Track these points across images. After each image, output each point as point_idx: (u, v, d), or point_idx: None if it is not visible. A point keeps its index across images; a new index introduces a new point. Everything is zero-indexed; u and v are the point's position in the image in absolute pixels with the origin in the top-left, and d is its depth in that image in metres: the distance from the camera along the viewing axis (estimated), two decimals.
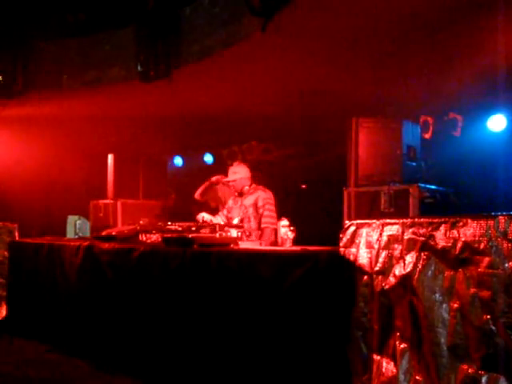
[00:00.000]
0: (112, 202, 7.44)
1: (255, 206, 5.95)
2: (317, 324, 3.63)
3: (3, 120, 7.52)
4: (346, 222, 3.67)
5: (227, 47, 5.21)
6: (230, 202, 6.27)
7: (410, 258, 3.04)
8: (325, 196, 7.29)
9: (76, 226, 8.31)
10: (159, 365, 4.60)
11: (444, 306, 2.82)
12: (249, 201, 6.02)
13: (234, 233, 5.06)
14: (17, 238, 6.76)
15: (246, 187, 6.04)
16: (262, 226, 5.88)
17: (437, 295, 2.87)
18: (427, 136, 6.79)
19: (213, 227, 5.10)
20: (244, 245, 4.86)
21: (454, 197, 5.22)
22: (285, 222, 4.96)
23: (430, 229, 2.95)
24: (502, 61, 5.77)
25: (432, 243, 2.92)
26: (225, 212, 6.30)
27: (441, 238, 2.88)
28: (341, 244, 3.67)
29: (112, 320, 5.07)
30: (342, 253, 3.63)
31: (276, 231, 5.61)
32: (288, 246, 4.79)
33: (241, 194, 6.09)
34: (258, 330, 3.92)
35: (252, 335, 3.96)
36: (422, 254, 2.97)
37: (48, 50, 6.58)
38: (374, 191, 4.98)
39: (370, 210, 4.90)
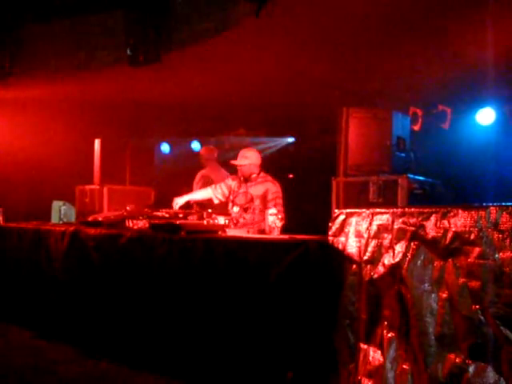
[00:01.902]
0: (98, 187, 7.36)
1: (263, 198, 5.73)
2: (304, 312, 3.63)
3: None
4: (336, 210, 3.66)
5: (218, 33, 5.16)
6: (234, 185, 6.01)
7: (399, 248, 3.04)
8: (313, 185, 7.28)
9: (61, 212, 8.21)
10: (145, 351, 4.58)
11: (433, 295, 2.83)
12: (256, 190, 5.80)
13: (221, 220, 5.03)
14: (1, 223, 6.70)
15: (254, 175, 5.83)
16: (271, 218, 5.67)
17: (426, 285, 2.87)
18: (416, 128, 6.81)
19: (200, 214, 5.07)
20: (232, 232, 4.84)
21: (442, 188, 5.23)
22: (273, 210, 4.95)
23: (420, 219, 2.95)
24: (491, 54, 5.79)
25: (422, 233, 2.92)
26: (225, 191, 6.04)
27: (431, 227, 2.87)
28: (330, 233, 3.66)
29: (98, 306, 5.04)
30: (330, 241, 3.63)
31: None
32: (276, 235, 4.77)
33: (246, 180, 5.87)
34: (245, 317, 3.92)
35: (239, 322, 3.96)
36: (412, 243, 2.97)
37: (36, 32, 6.48)
38: (362, 181, 4.97)
39: (358, 199, 4.89)
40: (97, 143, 7.39)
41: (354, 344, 3.36)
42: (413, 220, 2.99)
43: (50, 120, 7.87)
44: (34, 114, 7.77)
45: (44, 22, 6.47)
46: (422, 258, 2.91)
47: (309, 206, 7.41)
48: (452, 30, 5.58)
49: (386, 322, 3.13)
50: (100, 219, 5.45)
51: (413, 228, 2.98)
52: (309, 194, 7.55)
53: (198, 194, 6.29)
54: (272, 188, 5.71)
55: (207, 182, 7.13)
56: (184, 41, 5.40)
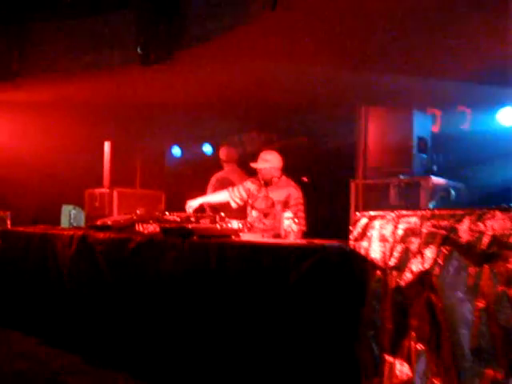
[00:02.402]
0: (108, 191, 7.20)
1: (285, 203, 5.51)
2: (324, 321, 3.42)
3: None
4: (357, 213, 3.46)
5: (231, 29, 4.97)
6: (253, 188, 5.82)
7: (429, 253, 2.82)
8: (329, 188, 7.08)
9: (71, 216, 8.09)
10: (153, 361, 4.39)
11: (467, 305, 2.60)
12: (277, 195, 5.59)
13: (235, 224, 4.84)
14: (9, 227, 6.55)
15: (275, 178, 5.63)
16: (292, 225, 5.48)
17: (459, 293, 2.65)
18: (435, 129, 6.58)
19: (213, 218, 4.89)
20: (246, 237, 4.64)
21: (466, 191, 5.01)
22: (288, 213, 4.75)
23: (452, 221, 2.73)
24: None
25: (454, 237, 2.70)
26: (243, 193, 5.85)
27: (464, 231, 2.66)
28: (351, 237, 3.46)
29: (106, 313, 4.85)
30: (351, 246, 3.43)
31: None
32: (292, 239, 4.58)
33: (266, 184, 5.68)
34: (261, 326, 3.70)
35: (254, 331, 3.74)
36: (443, 248, 2.75)
37: (44, 31, 6.32)
38: (382, 183, 4.75)
39: (378, 203, 4.67)
40: (106, 146, 7.23)
41: (378, 356, 3.15)
42: (444, 223, 2.77)
43: (58, 122, 7.70)
44: (42, 116, 7.61)
45: (52, 22, 6.31)
46: (454, 264, 2.70)
47: (325, 210, 7.20)
48: (472, 27, 5.36)
49: (414, 333, 2.91)
50: (109, 223, 5.29)
51: (444, 231, 2.77)
52: (325, 197, 7.35)
53: (214, 197, 6.09)
54: (294, 193, 5.51)
55: (224, 185, 6.92)
56: (196, 38, 5.21)
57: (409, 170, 4.72)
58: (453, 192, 4.63)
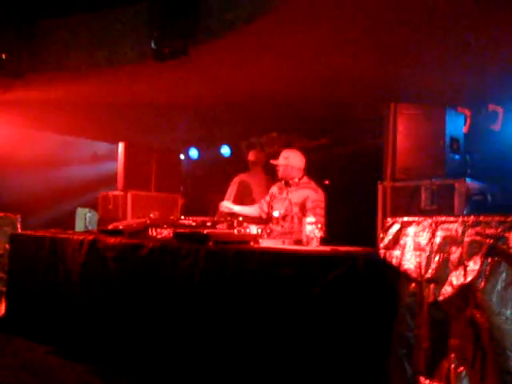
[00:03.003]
0: (122, 193, 6.95)
1: (302, 206, 5.28)
2: (350, 338, 3.11)
3: (7, 102, 7.03)
4: (388, 219, 3.15)
5: (250, 22, 4.68)
6: (275, 190, 5.68)
7: (472, 265, 2.51)
8: (354, 192, 6.79)
9: (86, 219, 7.92)
10: (167, 372, 4.11)
11: None
12: (296, 197, 5.37)
13: (253, 229, 4.56)
14: (19, 230, 6.33)
15: (296, 179, 5.43)
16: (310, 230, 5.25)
17: (509, 311, 2.33)
18: (464, 130, 6.24)
19: (230, 223, 4.61)
20: (265, 243, 4.34)
21: (502, 195, 4.66)
22: (311, 218, 4.44)
23: (500, 229, 2.41)
24: None
25: (503, 247, 2.39)
26: (267, 198, 5.74)
27: None
28: (381, 245, 3.15)
29: (117, 322, 4.59)
30: (382, 255, 3.13)
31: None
32: (315, 246, 4.27)
33: (287, 184, 5.49)
34: (281, 341, 3.40)
35: (274, 346, 3.44)
36: (490, 259, 2.44)
37: (54, 28, 6.08)
38: (413, 186, 4.41)
39: (408, 207, 4.35)
40: (121, 147, 6.99)
41: (412, 377, 2.83)
42: (490, 231, 2.45)
43: (71, 121, 7.49)
44: (53, 116, 7.40)
45: (63, 18, 6.08)
46: (503, 277, 2.38)
47: (349, 215, 6.90)
48: (505, 22, 5.05)
49: (453, 354, 2.60)
50: (121, 227, 5.03)
51: (491, 240, 2.45)
52: (349, 201, 7.05)
53: (245, 210, 5.82)
54: (312, 195, 5.27)
55: (244, 188, 6.74)
56: (213, 32, 4.93)
57: (441, 172, 4.38)
58: (489, 196, 4.29)
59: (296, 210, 5.34)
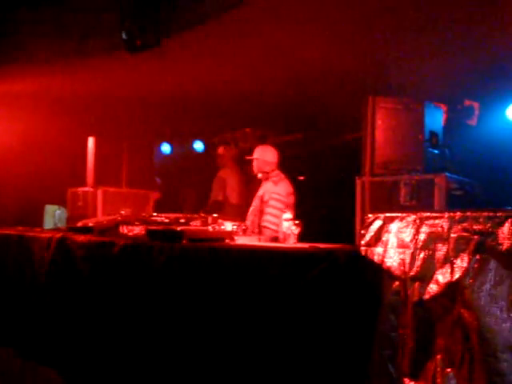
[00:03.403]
0: (92, 190, 6.74)
1: (261, 199, 5.39)
2: (331, 338, 2.99)
3: None
4: (369, 215, 3.04)
5: (224, 13, 4.54)
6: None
7: (459, 262, 2.40)
8: (331, 187, 6.71)
9: (55, 217, 7.70)
10: (142, 377, 3.95)
11: (509, 324, 2.19)
12: (260, 191, 5.47)
13: (228, 226, 4.43)
14: None
15: (264, 174, 5.52)
16: (262, 224, 5.26)
17: (498, 310, 2.23)
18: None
19: (204, 219, 4.47)
20: (241, 240, 4.21)
21: (481, 189, 4.60)
22: (288, 215, 4.33)
23: (489, 224, 2.31)
24: None
25: (492, 243, 2.29)
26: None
27: (505, 236, 2.24)
28: (362, 242, 3.04)
29: (86, 324, 4.40)
30: (363, 252, 3.01)
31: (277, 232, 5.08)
32: (292, 243, 4.15)
33: (261, 180, 5.61)
34: (260, 343, 3.27)
35: (252, 347, 3.31)
36: (478, 256, 2.33)
37: (22, 20, 5.86)
38: (392, 181, 4.33)
39: (387, 202, 4.26)
40: (90, 141, 6.77)
41: (396, 379, 2.72)
42: (478, 226, 2.35)
43: (39, 116, 7.25)
44: (22, 110, 7.15)
45: (31, 9, 5.85)
46: (492, 275, 2.27)
47: (327, 211, 6.82)
48: (483, 18, 5.01)
49: (440, 355, 2.49)
50: (90, 225, 4.85)
51: (479, 237, 2.35)
52: (327, 196, 6.97)
53: None
54: (271, 188, 5.31)
55: (221, 183, 6.69)
56: (186, 23, 4.78)
57: (420, 167, 4.31)
58: (470, 191, 4.23)
59: (256, 203, 5.43)
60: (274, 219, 5.21)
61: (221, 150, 7.29)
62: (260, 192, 5.51)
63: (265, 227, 5.28)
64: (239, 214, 5.73)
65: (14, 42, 5.97)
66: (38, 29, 5.83)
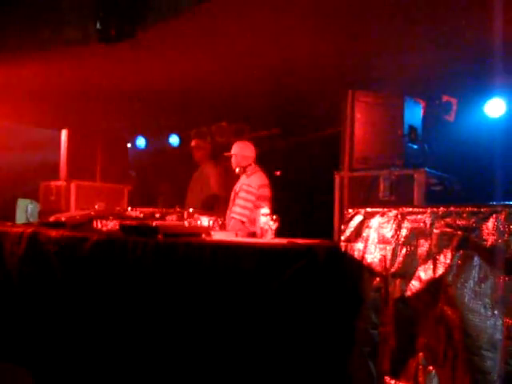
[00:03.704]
0: (65, 183, 6.59)
1: (235, 192, 5.42)
2: (310, 335, 2.93)
3: None
4: (349, 210, 2.98)
5: (199, 4, 4.43)
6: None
7: (442, 258, 2.36)
8: (311, 183, 6.65)
9: (28, 211, 7.53)
10: (117, 377, 3.85)
11: (494, 321, 2.14)
12: (236, 185, 5.48)
13: (205, 221, 4.34)
14: None
15: (238, 168, 5.52)
16: (230, 215, 5.22)
17: (482, 308, 2.18)
18: None
19: (180, 214, 4.38)
20: (217, 235, 4.13)
21: (460, 185, 4.58)
22: (265, 209, 4.25)
23: (473, 220, 2.27)
24: (501, 39, 5.21)
25: (476, 239, 2.25)
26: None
27: (490, 232, 2.21)
28: (342, 237, 2.99)
29: (60, 322, 4.28)
30: (343, 248, 2.96)
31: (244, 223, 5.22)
32: (269, 238, 4.08)
33: (238, 174, 5.57)
34: (237, 341, 3.20)
35: (229, 346, 3.24)
36: (461, 252, 2.29)
37: None
38: (371, 176, 4.27)
39: (366, 197, 4.21)
40: (63, 134, 6.62)
41: (376, 377, 2.68)
42: (462, 222, 2.31)
43: (10, 107, 7.07)
44: None
45: None
46: (475, 271, 2.23)
47: (305, 206, 6.76)
48: (461, 13, 4.98)
49: (422, 353, 2.45)
50: (63, 219, 4.71)
51: (462, 232, 2.30)
52: (305, 192, 6.92)
53: None
54: (243, 180, 5.31)
55: (201, 180, 6.63)
56: (162, 13, 4.66)
57: (400, 162, 4.26)
58: (449, 186, 4.20)
59: (232, 196, 5.46)
60: (242, 210, 5.22)
61: (194, 143, 7.16)
62: (236, 186, 5.52)
63: (233, 218, 5.24)
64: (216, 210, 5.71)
65: None
66: (10, 16, 5.66)
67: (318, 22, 4.64)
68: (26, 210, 7.68)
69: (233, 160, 5.57)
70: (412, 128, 4.50)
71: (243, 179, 5.43)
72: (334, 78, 5.56)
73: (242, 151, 5.56)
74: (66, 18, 5.19)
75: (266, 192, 5.40)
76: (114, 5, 4.71)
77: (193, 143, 7.14)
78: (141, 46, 5.16)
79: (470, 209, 2.28)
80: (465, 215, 2.30)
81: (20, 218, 8.07)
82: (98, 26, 4.72)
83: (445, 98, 6.40)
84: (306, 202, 6.85)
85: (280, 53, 5.37)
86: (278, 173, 6.33)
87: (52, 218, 4.93)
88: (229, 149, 5.71)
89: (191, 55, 5.70)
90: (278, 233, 4.21)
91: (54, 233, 4.40)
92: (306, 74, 5.67)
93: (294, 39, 5.04)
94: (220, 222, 4.79)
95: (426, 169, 4.12)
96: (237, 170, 5.54)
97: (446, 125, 6.41)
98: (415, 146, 4.48)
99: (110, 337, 3.91)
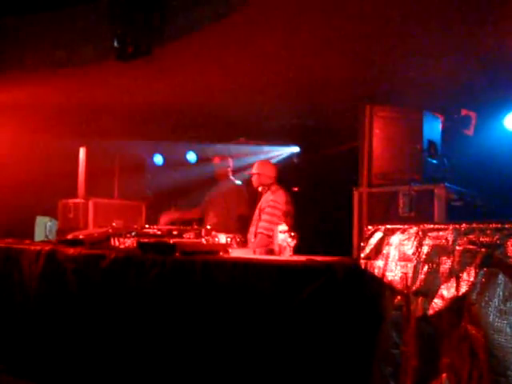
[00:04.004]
0: (83, 201, 6.60)
1: (259, 208, 5.47)
2: (329, 355, 2.88)
3: None
4: (369, 227, 2.94)
5: (217, 20, 4.44)
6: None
7: (465, 276, 2.30)
8: (329, 199, 6.61)
9: (46, 229, 7.53)
10: None
11: None
12: (260, 204, 5.54)
13: (222, 238, 4.31)
14: None
15: (265, 187, 5.59)
16: (258, 230, 5.20)
17: (508, 327, 2.12)
18: None
19: (198, 231, 4.35)
20: (235, 253, 4.09)
21: (481, 200, 4.50)
22: (283, 226, 4.22)
23: (497, 237, 2.21)
24: None
25: (500, 256, 2.19)
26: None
27: None
28: (362, 255, 2.94)
29: (77, 339, 4.27)
30: (363, 266, 2.91)
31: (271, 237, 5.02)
32: (288, 256, 4.04)
33: (261, 194, 5.66)
34: (254, 360, 3.15)
35: (247, 365, 3.19)
36: (485, 269, 2.23)
37: (10, 27, 5.74)
38: (390, 192, 4.21)
39: (385, 214, 4.15)
40: (81, 152, 6.64)
41: None
42: (486, 239, 2.25)
43: (29, 126, 7.12)
44: (10, 121, 7.01)
45: (18, 16, 5.74)
46: (501, 289, 2.17)
47: (323, 223, 6.71)
48: (482, 26, 4.94)
49: (445, 374, 2.38)
50: (81, 237, 4.71)
51: (486, 249, 2.24)
52: (323, 208, 6.87)
53: None
54: (268, 197, 5.36)
55: (225, 197, 6.52)
56: (179, 30, 4.68)
57: (419, 177, 4.20)
58: (470, 201, 4.13)
59: (256, 213, 5.52)
60: (269, 225, 5.19)
61: (216, 159, 6.94)
62: (260, 204, 5.59)
63: (260, 233, 5.27)
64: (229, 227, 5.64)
65: (3, 52, 5.85)
66: (30, 36, 5.72)
67: (335, 37, 4.62)
68: (44, 228, 7.70)
69: (255, 178, 5.64)
70: (431, 143, 4.44)
71: (267, 196, 5.50)
72: (351, 92, 5.54)
73: (266, 171, 5.63)
74: (83, 38, 5.23)
75: (290, 208, 5.40)
76: (130, 22, 4.72)
77: (216, 160, 6.92)
78: (158, 63, 5.19)
79: (494, 225, 2.22)
80: (488, 232, 2.24)
81: (39, 235, 8.08)
82: (115, 43, 4.74)
83: (464, 112, 6.32)
84: (323, 218, 6.80)
85: (297, 69, 5.36)
86: (296, 189, 6.32)
87: (70, 236, 4.93)
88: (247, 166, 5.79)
89: (208, 71, 5.72)
90: (296, 250, 4.18)
91: (71, 250, 4.40)
92: (324, 89, 5.66)
93: (311, 55, 5.04)
94: (238, 240, 4.76)
95: (446, 184, 4.06)
96: (259, 188, 5.62)
97: (466, 139, 6.33)
98: (434, 161, 4.42)
99: (128, 354, 3.89)
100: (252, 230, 5.42)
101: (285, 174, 6.17)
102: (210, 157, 7.76)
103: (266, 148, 7.85)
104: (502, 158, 6.01)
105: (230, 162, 6.91)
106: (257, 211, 5.51)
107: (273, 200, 5.36)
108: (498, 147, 6.22)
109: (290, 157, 7.52)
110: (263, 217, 5.30)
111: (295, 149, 7.59)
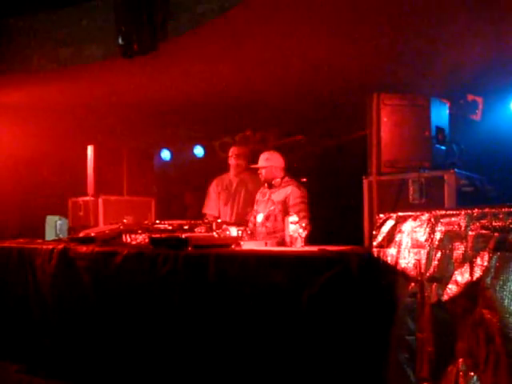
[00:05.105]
0: (93, 199, 6.64)
1: (284, 204, 5.24)
2: (345, 345, 2.90)
3: None
4: (381, 215, 2.95)
5: (222, 14, 4.44)
6: (258, 195, 5.63)
7: (479, 261, 2.31)
8: (338, 188, 6.60)
9: (57, 227, 7.57)
10: None
11: None
12: (278, 196, 5.31)
13: (233, 231, 4.32)
14: None
15: (278, 179, 5.37)
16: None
17: None
18: None
19: (209, 225, 4.37)
20: (247, 245, 4.11)
21: (490, 185, 4.49)
22: (294, 217, 4.24)
23: (510, 221, 2.22)
24: None
25: None
26: (255, 207, 5.64)
27: None
28: (374, 243, 2.95)
29: (91, 335, 4.30)
30: (376, 254, 2.92)
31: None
32: (299, 246, 4.06)
33: (270, 186, 5.41)
34: (268, 352, 3.18)
35: (260, 357, 3.21)
36: (499, 254, 2.24)
37: (15, 26, 5.77)
38: (400, 179, 4.21)
39: (395, 201, 4.15)
40: (90, 150, 6.67)
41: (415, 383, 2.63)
42: (498, 223, 2.26)
43: (36, 126, 7.15)
44: (18, 120, 7.05)
45: (24, 16, 5.76)
46: None
47: (333, 212, 6.70)
48: (484, 11, 4.91)
49: (462, 359, 2.39)
50: (93, 235, 4.74)
51: (499, 234, 2.25)
52: (333, 198, 6.87)
53: None
54: (295, 192, 5.23)
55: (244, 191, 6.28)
56: (183, 26, 4.68)
57: (428, 164, 4.20)
58: (480, 186, 4.13)
59: (279, 208, 5.27)
60: (305, 222, 5.03)
61: (236, 150, 6.40)
62: (277, 197, 5.32)
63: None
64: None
65: (9, 52, 5.88)
66: (35, 35, 5.74)
67: (341, 27, 4.62)
68: (55, 227, 7.74)
69: (267, 172, 5.37)
70: (439, 129, 4.44)
71: (294, 191, 5.26)
72: (358, 81, 5.52)
73: (277, 162, 5.42)
74: (88, 37, 5.24)
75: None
76: (135, 19, 4.73)
77: (235, 151, 6.39)
78: (163, 58, 5.20)
79: (507, 209, 2.23)
80: (501, 216, 2.25)
81: (49, 234, 8.12)
82: (120, 41, 4.75)
83: (470, 98, 6.31)
84: (333, 208, 6.80)
85: (303, 59, 5.36)
86: (305, 179, 6.29)
87: (82, 234, 4.97)
88: (254, 159, 5.65)
89: (213, 65, 5.72)
90: (307, 240, 4.19)
91: (84, 248, 4.42)
92: (330, 78, 5.66)
93: (317, 45, 5.03)
94: (249, 232, 4.77)
95: (456, 170, 4.06)
96: (273, 181, 5.38)
97: (473, 124, 6.32)
98: (443, 147, 4.42)
99: (142, 349, 3.92)
100: (272, 224, 5.22)
101: (292, 164, 6.12)
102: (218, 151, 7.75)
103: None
104: (510, 141, 6.00)
105: (249, 153, 6.55)
106: (278, 205, 5.27)
107: (302, 196, 5.23)
108: (505, 131, 6.21)
109: (298, 147, 7.48)
110: (302, 214, 4.95)
111: (302, 138, 7.54)
